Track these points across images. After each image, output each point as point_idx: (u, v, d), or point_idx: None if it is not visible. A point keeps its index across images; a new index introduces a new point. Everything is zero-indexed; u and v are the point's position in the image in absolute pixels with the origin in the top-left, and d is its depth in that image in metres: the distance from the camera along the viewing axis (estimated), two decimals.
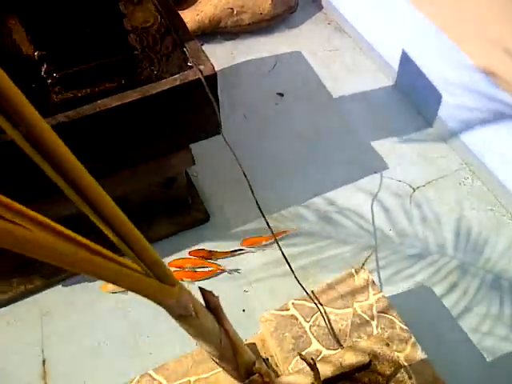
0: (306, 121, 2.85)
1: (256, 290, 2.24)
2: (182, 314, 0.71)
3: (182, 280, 2.24)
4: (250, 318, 2.13)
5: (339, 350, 1.60)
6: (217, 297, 0.81)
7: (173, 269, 2.26)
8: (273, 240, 2.23)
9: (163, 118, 1.77)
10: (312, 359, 1.21)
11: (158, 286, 0.65)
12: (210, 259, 2.31)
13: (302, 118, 2.86)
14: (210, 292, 0.81)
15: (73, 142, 1.64)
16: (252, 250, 2.35)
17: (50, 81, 1.70)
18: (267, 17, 3.18)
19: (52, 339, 2.11)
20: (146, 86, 1.64)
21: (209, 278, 2.26)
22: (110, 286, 2.17)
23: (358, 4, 3.09)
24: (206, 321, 0.77)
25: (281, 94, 2.95)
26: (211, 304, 0.80)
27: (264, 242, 2.35)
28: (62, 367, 2.04)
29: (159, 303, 0.68)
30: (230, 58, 3.15)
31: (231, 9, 3.05)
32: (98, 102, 1.61)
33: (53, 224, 0.56)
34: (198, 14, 2.98)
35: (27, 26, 1.49)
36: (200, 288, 0.82)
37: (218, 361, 0.90)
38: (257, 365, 0.97)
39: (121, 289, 2.13)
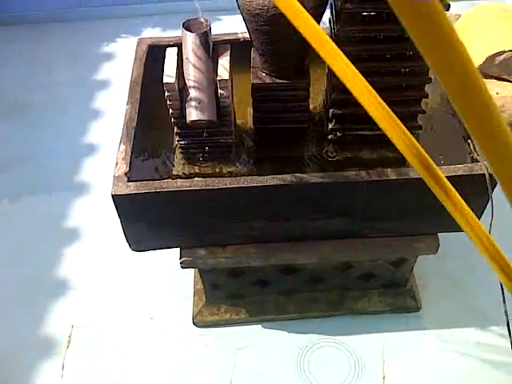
0: None
1: None
2: None
3: None
4: None
5: None
6: None
7: None
8: None
9: (428, 201, 1.71)
10: None
11: None
12: None
13: None
14: None
15: (326, 199, 1.63)
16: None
17: (329, 137, 1.76)
18: None
19: (242, 377, 2.13)
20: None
21: None
22: None
23: None
24: None
25: None
26: None
27: None
28: None
29: None
30: None
31: None
32: (378, 169, 1.62)
33: None
34: None
35: (338, 88, 1.56)
36: None
37: None
38: None
39: None
